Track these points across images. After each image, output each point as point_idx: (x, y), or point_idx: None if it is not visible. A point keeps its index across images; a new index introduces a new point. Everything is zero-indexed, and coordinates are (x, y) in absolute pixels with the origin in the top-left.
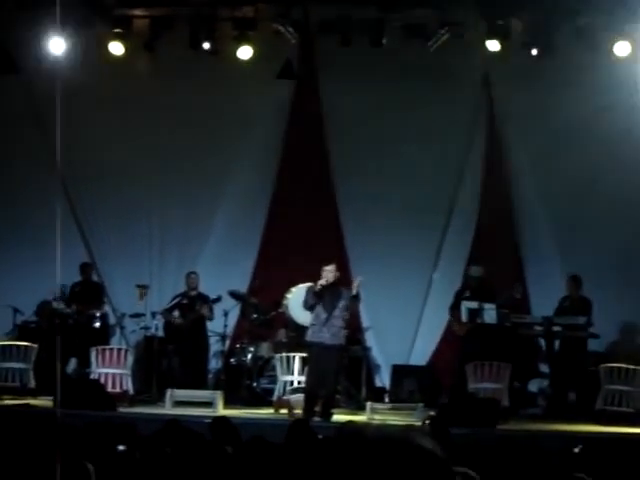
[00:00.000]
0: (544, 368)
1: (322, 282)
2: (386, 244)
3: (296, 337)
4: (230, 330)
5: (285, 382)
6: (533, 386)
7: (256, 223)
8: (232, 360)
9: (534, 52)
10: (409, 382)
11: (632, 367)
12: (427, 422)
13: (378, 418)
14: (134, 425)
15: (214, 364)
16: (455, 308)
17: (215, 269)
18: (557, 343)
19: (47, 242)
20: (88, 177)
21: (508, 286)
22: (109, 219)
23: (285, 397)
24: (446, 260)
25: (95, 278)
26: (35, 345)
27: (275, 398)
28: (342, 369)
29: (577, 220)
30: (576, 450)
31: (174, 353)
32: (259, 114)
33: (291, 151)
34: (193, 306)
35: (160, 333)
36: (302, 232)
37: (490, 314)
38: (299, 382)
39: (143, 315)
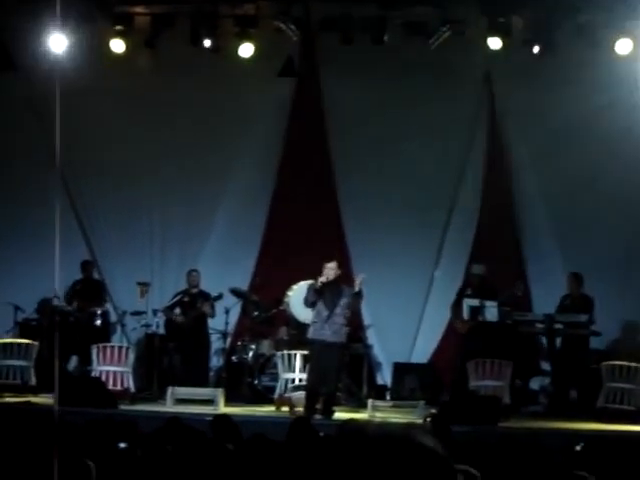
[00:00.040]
0: (545, 366)
1: (322, 279)
2: (387, 241)
3: (297, 335)
4: (231, 328)
5: (286, 380)
6: (534, 384)
7: (257, 221)
8: (233, 358)
9: (535, 50)
10: (410, 380)
11: (634, 365)
12: (428, 420)
13: (379, 416)
14: (135, 423)
15: (215, 362)
16: (457, 306)
17: (216, 267)
18: (559, 341)
19: (48, 239)
20: (89, 174)
21: (509, 284)
22: (110, 216)
23: (286, 395)
24: (447, 258)
25: (96, 276)
26: (36, 343)
27: (276, 396)
28: (343, 367)
29: (578, 217)
30: (577, 448)
31: (175, 351)
32: (260, 111)
33: (292, 149)
34: (194, 304)
35: (161, 331)
36: (303, 230)
37: (491, 312)
38: (300, 380)
39: (144, 313)
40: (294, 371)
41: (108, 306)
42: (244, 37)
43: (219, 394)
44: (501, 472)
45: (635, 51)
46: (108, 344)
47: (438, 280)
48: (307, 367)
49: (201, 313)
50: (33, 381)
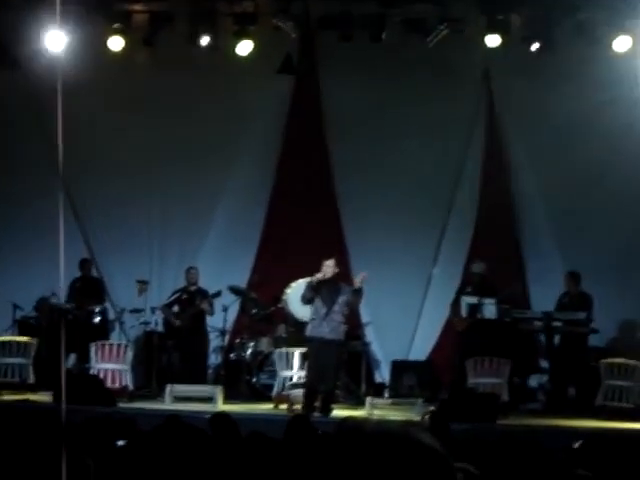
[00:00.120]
0: (544, 363)
1: (319, 276)
2: (386, 239)
3: (296, 332)
4: (230, 325)
5: (285, 377)
6: (533, 381)
7: (256, 218)
8: (232, 355)
9: (534, 47)
10: (409, 377)
11: (632, 362)
12: (427, 417)
13: (378, 413)
14: (134, 420)
15: (214, 359)
16: (456, 304)
17: (215, 264)
18: (557, 338)
19: (46, 238)
20: (86, 172)
21: (508, 282)
22: (108, 214)
23: (285, 392)
24: (446, 256)
25: (95, 273)
26: (34, 341)
27: (275, 393)
28: (342, 364)
29: (577, 216)
30: (576, 445)
31: (174, 348)
32: (259, 109)
33: (291, 146)
34: (193, 301)
35: (160, 328)
36: (302, 227)
37: (490, 309)
38: (299, 377)
39: (143, 310)
40: (292, 369)
41: (107, 304)
42: (243, 35)
43: (218, 392)
44: (500, 470)
45: (634, 48)
46: (107, 342)
47: (436, 278)
48: (305, 365)
49: (200, 310)
50: (32, 379)
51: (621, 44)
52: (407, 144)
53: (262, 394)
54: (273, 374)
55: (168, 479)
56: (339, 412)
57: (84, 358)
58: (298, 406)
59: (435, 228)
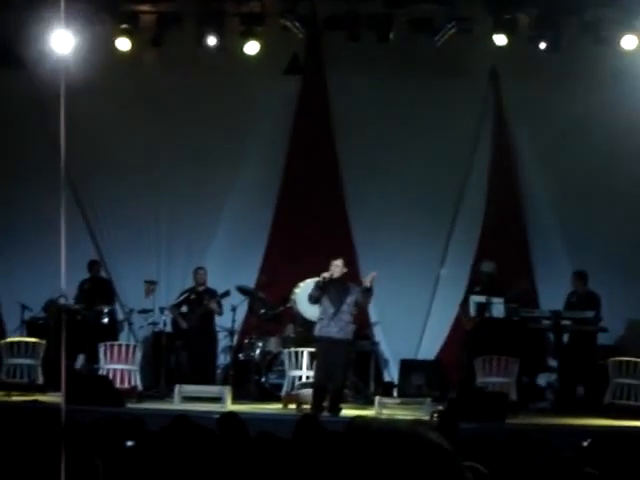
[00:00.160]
0: (552, 362)
1: (326, 275)
2: (394, 239)
3: (304, 332)
4: (238, 325)
5: (293, 377)
6: (541, 380)
7: (264, 218)
8: (240, 355)
9: (542, 46)
10: (417, 377)
11: None
12: (435, 416)
13: (386, 413)
14: (142, 421)
15: (222, 359)
16: (465, 303)
17: (223, 264)
18: (566, 337)
19: (55, 239)
20: (95, 173)
21: (516, 282)
22: (117, 215)
23: (293, 392)
24: (453, 256)
25: (103, 274)
26: (43, 341)
27: (283, 393)
28: (350, 364)
29: (585, 215)
30: (585, 444)
31: (182, 349)
32: (266, 109)
33: (298, 146)
34: (201, 301)
35: (168, 329)
36: (310, 227)
37: (498, 308)
38: (307, 377)
39: (151, 311)
40: (301, 368)
41: (115, 304)
42: (250, 35)
43: (226, 392)
44: (508, 469)
45: None
46: (115, 342)
47: (444, 278)
48: (314, 364)
49: (208, 310)
50: (40, 380)
51: (628, 42)
52: (414, 144)
53: (271, 394)
54: (282, 374)
55: (177, 479)
56: (348, 411)
57: (93, 359)
58: (307, 406)
59: (443, 228)
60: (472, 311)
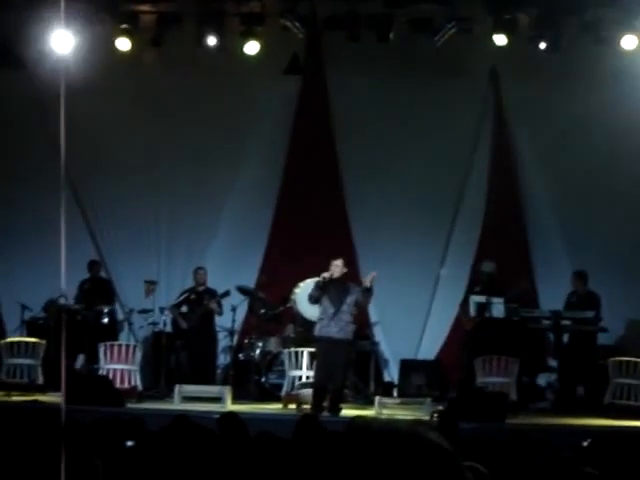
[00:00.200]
0: (552, 362)
1: (325, 274)
2: (394, 239)
3: (304, 332)
4: (238, 325)
5: (293, 377)
6: (541, 380)
7: (264, 218)
8: (240, 355)
9: (542, 46)
10: (417, 377)
11: None
12: (435, 416)
13: (386, 413)
14: (142, 421)
15: (222, 359)
16: (465, 303)
17: (223, 264)
18: (566, 337)
19: (55, 238)
20: (95, 173)
21: (516, 282)
22: (116, 215)
23: (293, 392)
24: (453, 256)
25: (103, 275)
26: (43, 341)
27: (283, 393)
28: (350, 364)
29: (585, 215)
30: (585, 444)
31: (182, 349)
32: (266, 109)
33: (298, 146)
34: (201, 301)
35: (168, 329)
36: (310, 227)
37: (498, 308)
38: (307, 377)
39: (151, 311)
40: (301, 368)
41: (115, 304)
42: (250, 35)
43: (226, 392)
44: (509, 469)
45: None
46: (115, 342)
47: (444, 278)
48: (314, 364)
49: (208, 310)
50: (40, 380)
51: (628, 43)
52: (414, 144)
53: (271, 394)
54: (282, 374)
55: (177, 479)
56: (348, 411)
57: (93, 359)
58: (307, 406)
59: (443, 228)
60: (472, 311)
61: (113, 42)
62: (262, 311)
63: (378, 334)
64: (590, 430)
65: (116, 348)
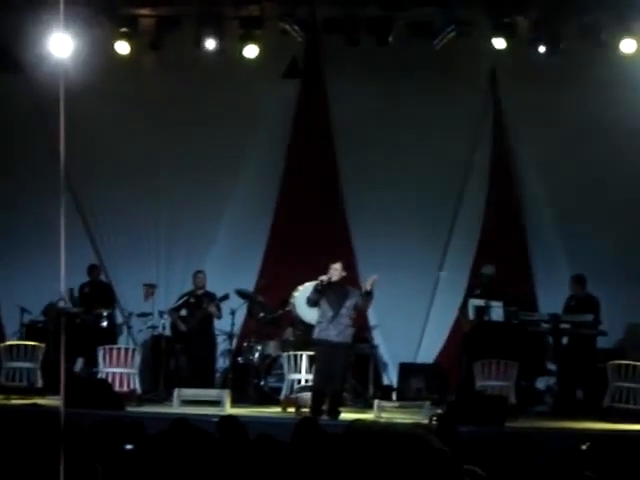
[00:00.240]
0: (551, 366)
1: (323, 278)
2: (393, 243)
3: (303, 335)
4: (237, 329)
5: (292, 380)
6: (541, 384)
7: (263, 222)
8: (239, 359)
9: (541, 49)
10: (416, 380)
11: None
12: (434, 420)
13: (385, 416)
14: (142, 424)
15: (222, 363)
16: (464, 307)
17: (222, 268)
18: (565, 341)
19: (55, 242)
20: (94, 177)
21: (515, 285)
22: (116, 219)
23: (293, 395)
24: (453, 259)
25: (103, 278)
26: (42, 345)
27: (283, 396)
28: (349, 367)
29: (584, 218)
30: (584, 447)
31: (181, 352)
32: (265, 113)
33: (297, 150)
34: (200, 305)
35: (167, 332)
36: (309, 231)
37: (497, 312)
38: (306, 380)
39: (150, 314)
40: (300, 372)
41: (115, 308)
42: (249, 38)
43: (225, 395)
44: (507, 472)
45: None
46: (114, 346)
47: (443, 281)
48: (313, 368)
49: (207, 314)
50: (40, 383)
51: (627, 46)
52: (414, 147)
53: (270, 397)
54: (281, 377)
55: None
56: (347, 415)
57: (92, 362)
58: (306, 409)
59: (442, 232)
60: (471, 314)
61: (112, 45)
62: (261, 315)
63: (377, 337)
64: (589, 434)
65: (115, 351)
